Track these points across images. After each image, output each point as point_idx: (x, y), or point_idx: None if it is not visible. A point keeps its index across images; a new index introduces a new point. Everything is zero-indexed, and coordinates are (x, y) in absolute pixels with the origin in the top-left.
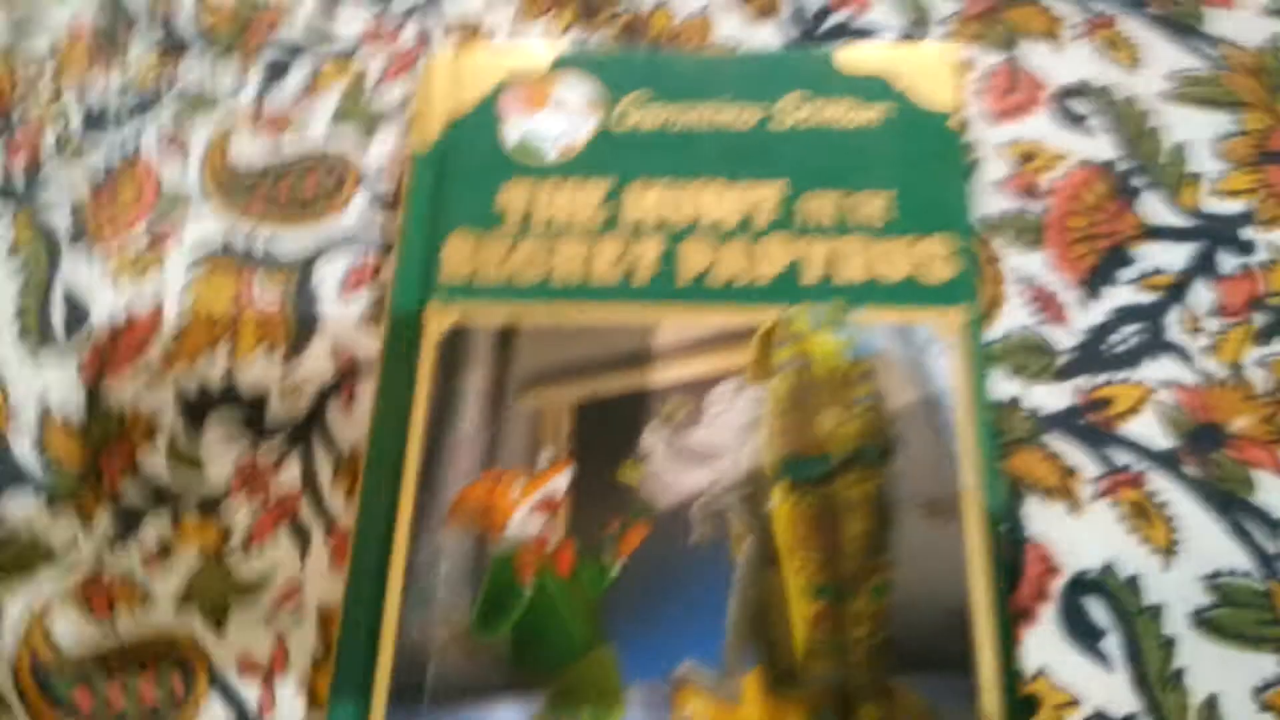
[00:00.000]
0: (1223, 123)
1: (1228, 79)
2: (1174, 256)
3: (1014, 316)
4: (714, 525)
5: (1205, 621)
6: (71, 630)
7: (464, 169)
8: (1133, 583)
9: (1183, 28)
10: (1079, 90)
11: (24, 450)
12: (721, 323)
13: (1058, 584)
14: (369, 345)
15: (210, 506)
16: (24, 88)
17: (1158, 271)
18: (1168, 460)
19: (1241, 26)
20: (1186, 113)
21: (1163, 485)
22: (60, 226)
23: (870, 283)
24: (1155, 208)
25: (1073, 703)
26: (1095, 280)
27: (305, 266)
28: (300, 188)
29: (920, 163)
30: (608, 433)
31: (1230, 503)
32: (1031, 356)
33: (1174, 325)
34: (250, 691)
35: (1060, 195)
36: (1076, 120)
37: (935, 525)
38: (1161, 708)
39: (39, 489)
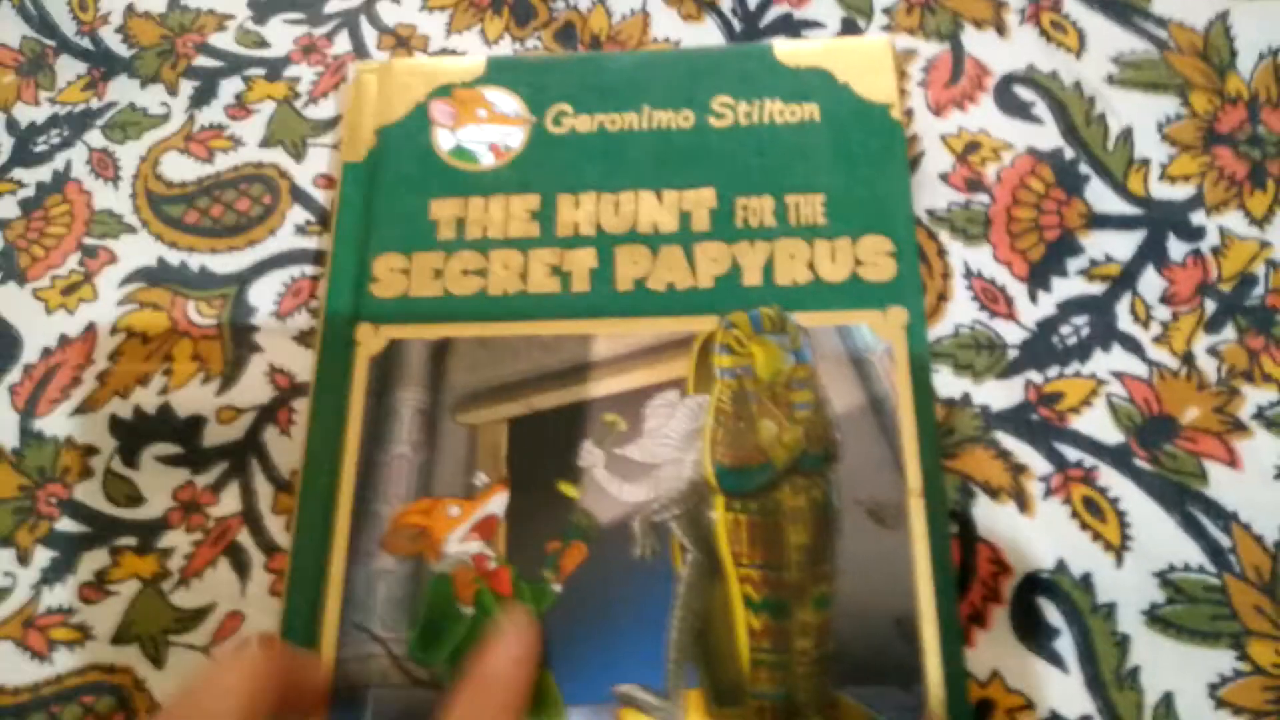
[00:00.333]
0: (1169, 106)
1: (1174, 60)
2: (1122, 245)
3: (962, 311)
4: (655, 540)
5: (1159, 619)
6: (7, 667)
7: (395, 179)
8: (1085, 581)
9: (1127, 8)
10: (1023, 77)
11: None
12: (660, 331)
13: (1009, 585)
14: (307, 366)
15: (148, 537)
16: None
17: (1107, 260)
18: (1119, 455)
19: (1186, 5)
20: (1132, 97)
21: (1114, 480)
22: None
23: (811, 285)
24: (1102, 195)
25: (1027, 706)
26: (1043, 272)
27: (240, 287)
28: (234, 206)
29: (861, 158)
30: (545, 449)
31: (1182, 496)
32: (980, 352)
33: (1124, 315)
34: None
35: (1005, 186)
36: (1021, 108)
37: (880, 532)
38: (1116, 708)
39: None
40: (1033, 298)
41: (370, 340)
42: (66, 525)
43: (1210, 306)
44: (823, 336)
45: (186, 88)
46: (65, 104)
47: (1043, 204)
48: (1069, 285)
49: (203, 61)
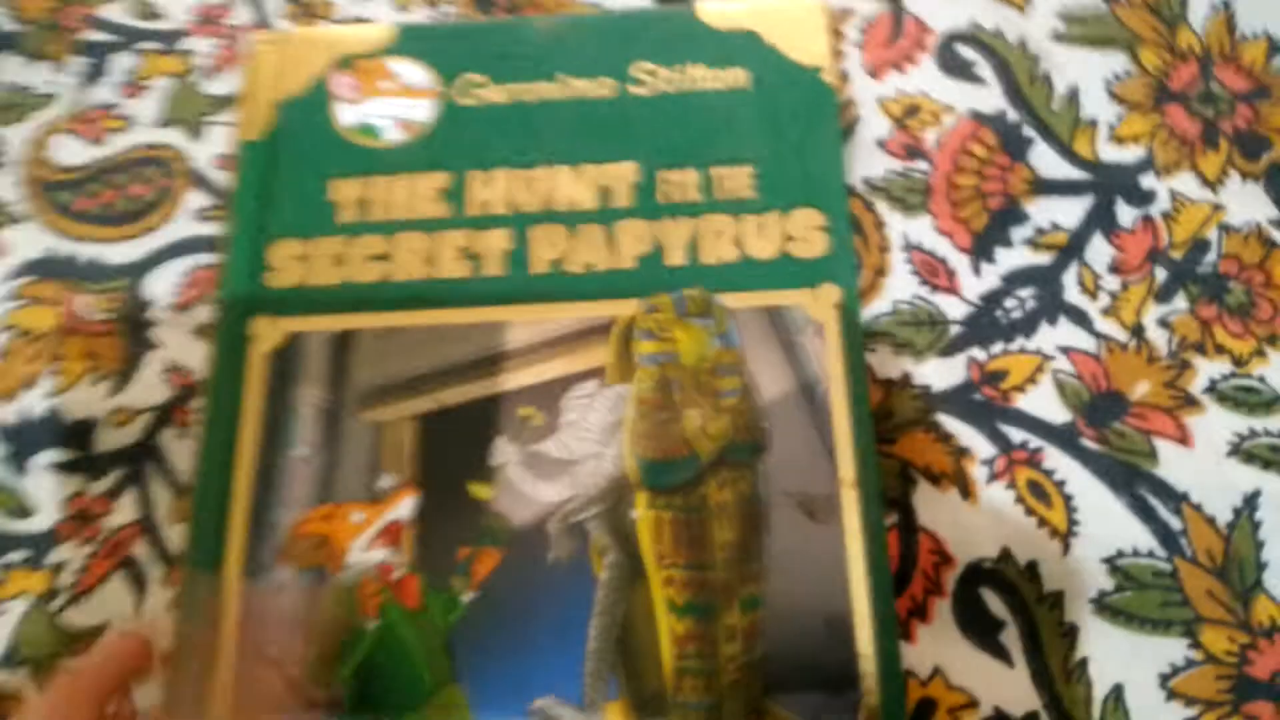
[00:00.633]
0: (1117, 63)
1: (1122, 14)
2: (1070, 211)
3: (901, 287)
4: (573, 542)
5: (1107, 607)
6: None
7: (295, 159)
8: (1031, 570)
9: None
10: (966, 35)
11: None
12: (579, 317)
13: (952, 576)
14: (207, 361)
15: (37, 551)
16: None
17: (1054, 228)
18: (1066, 435)
19: None
20: (1079, 54)
21: (1061, 462)
22: None
23: (739, 263)
24: (1048, 159)
25: (971, 703)
26: (987, 242)
27: (135, 279)
28: (127, 191)
29: (791, 127)
30: (455, 447)
31: (1131, 477)
32: (920, 329)
33: (1071, 286)
34: None
35: (946, 151)
36: (963, 68)
37: (811, 526)
38: (1064, 702)
39: None
40: (976, 270)
41: (267, 333)
42: None
43: (1161, 275)
44: (751, 319)
45: (75, 65)
46: None
47: (985, 170)
48: (1014, 256)
49: (92, 35)
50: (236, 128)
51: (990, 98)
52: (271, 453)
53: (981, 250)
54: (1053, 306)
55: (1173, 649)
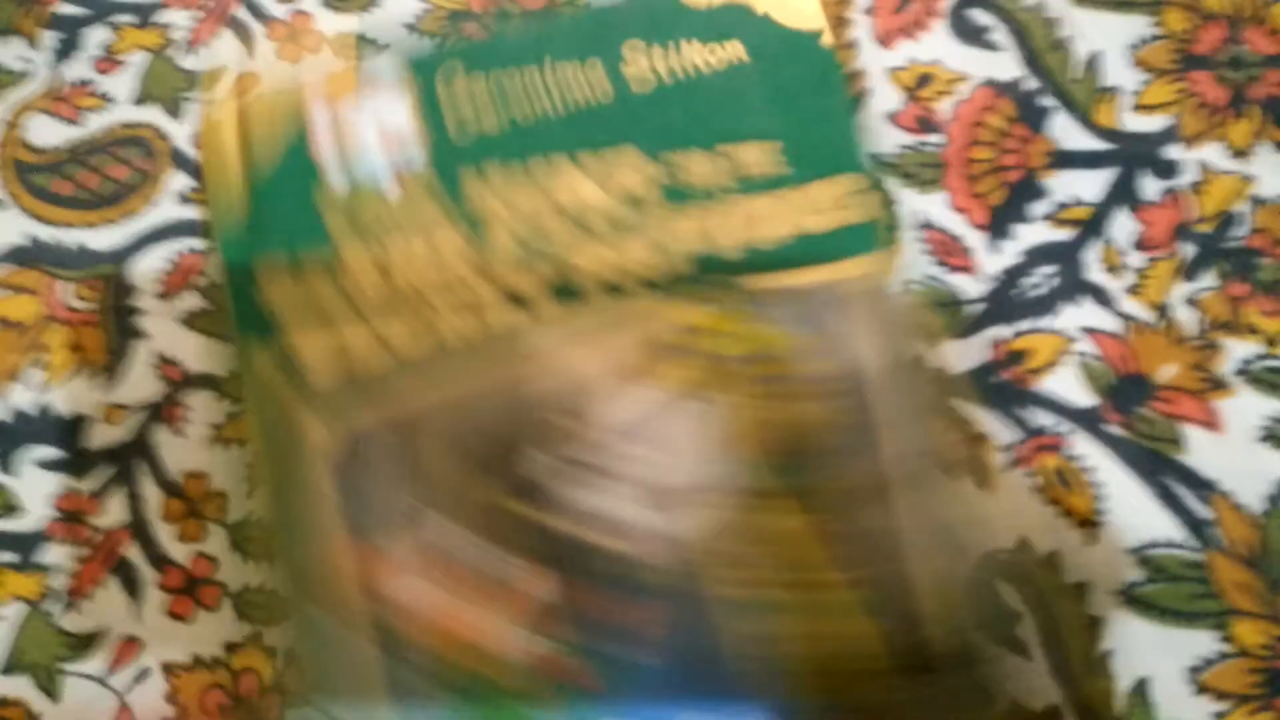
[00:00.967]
0: (1140, 26)
1: None
2: (1090, 184)
3: (914, 267)
4: (725, 576)
5: (1134, 599)
6: None
7: (288, 235)
8: (1051, 560)
9: None
10: None
11: None
12: (644, 333)
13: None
14: (196, 354)
15: (27, 551)
16: None
17: (1075, 203)
18: (1090, 419)
19: None
20: (1099, 17)
21: (1085, 449)
22: None
23: (797, 241)
24: (1067, 130)
25: None
26: (1004, 218)
27: (118, 265)
28: (108, 173)
29: (799, 95)
30: (573, 508)
31: (1159, 464)
32: (936, 311)
33: (1094, 264)
34: None
35: (961, 123)
36: (977, 34)
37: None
38: (1085, 696)
39: None
40: (993, 247)
41: (327, 439)
42: None
43: (1188, 251)
44: (797, 301)
45: (48, 39)
46: None
47: (1003, 142)
48: (1033, 232)
49: (65, 9)
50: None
51: (1007, 65)
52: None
53: (999, 227)
54: (1074, 286)
55: (1203, 642)
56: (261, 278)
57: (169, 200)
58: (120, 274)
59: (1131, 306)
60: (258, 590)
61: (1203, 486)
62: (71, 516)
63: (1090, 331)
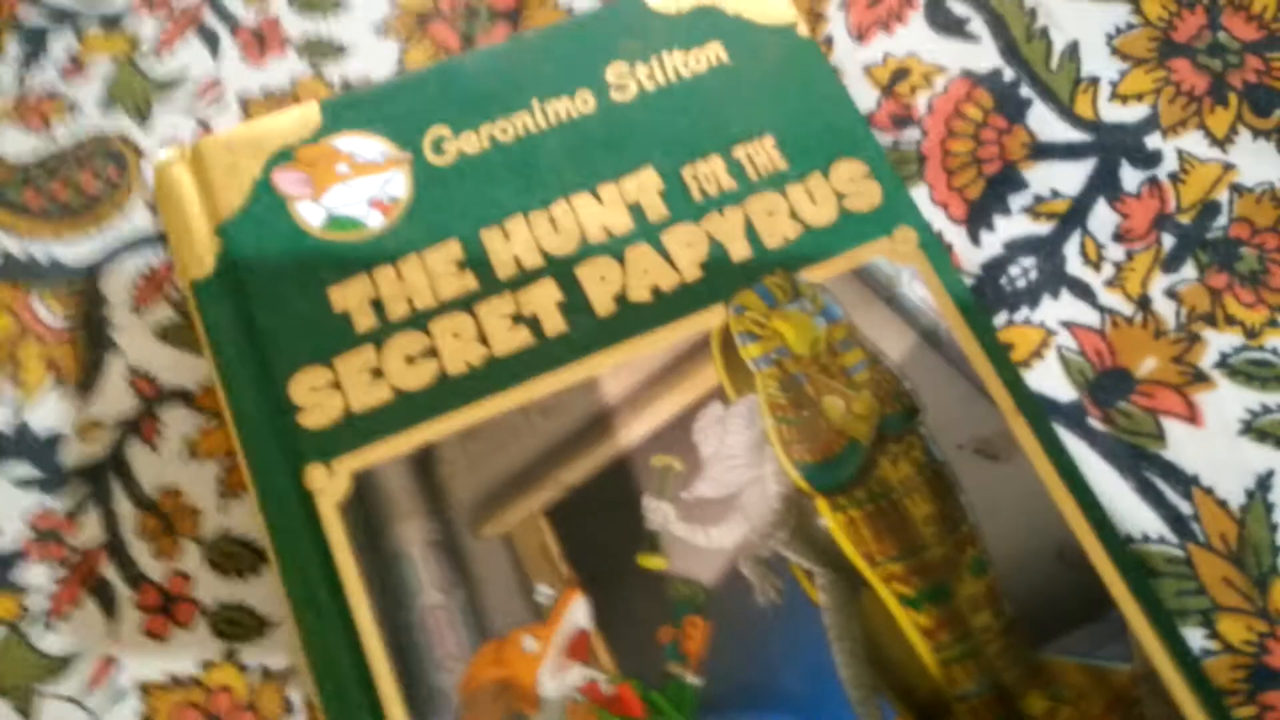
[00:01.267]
0: (1119, 14)
1: None
2: (1071, 176)
3: None
4: (776, 576)
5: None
6: None
7: (268, 281)
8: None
9: None
10: None
11: None
12: (668, 346)
13: None
14: (170, 367)
15: (4, 572)
16: None
17: (1054, 195)
18: (1071, 414)
19: None
20: (1078, 6)
21: (1067, 444)
22: None
23: (804, 236)
24: (1047, 121)
25: None
26: (983, 211)
27: (90, 278)
28: (77, 182)
29: (790, 86)
30: (602, 527)
31: (1140, 459)
32: None
33: (1073, 257)
34: None
35: (938, 116)
36: (955, 25)
37: (998, 467)
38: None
39: None
40: (974, 239)
41: (327, 483)
42: None
43: (1168, 242)
44: (842, 286)
45: (11, 46)
46: None
47: (981, 134)
48: (1012, 225)
49: (29, 16)
50: (188, 118)
51: (984, 56)
52: (396, 614)
53: (978, 220)
54: (1054, 279)
55: (1188, 638)
56: (247, 315)
57: (139, 210)
58: (94, 287)
59: (1111, 299)
60: (234, 606)
61: (1182, 481)
62: (48, 535)
63: (1070, 325)
